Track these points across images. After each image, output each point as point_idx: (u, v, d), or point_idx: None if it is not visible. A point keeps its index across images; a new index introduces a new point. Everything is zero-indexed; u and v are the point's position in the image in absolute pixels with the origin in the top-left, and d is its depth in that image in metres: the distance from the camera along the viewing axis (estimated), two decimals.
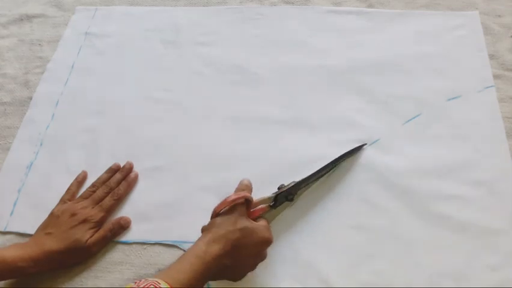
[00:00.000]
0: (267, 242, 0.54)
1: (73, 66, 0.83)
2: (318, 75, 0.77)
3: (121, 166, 0.68)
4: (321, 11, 0.86)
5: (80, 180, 0.67)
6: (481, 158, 0.65)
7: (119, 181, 0.66)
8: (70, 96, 0.79)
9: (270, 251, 0.57)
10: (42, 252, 0.56)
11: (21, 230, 0.64)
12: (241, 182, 0.59)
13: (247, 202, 0.55)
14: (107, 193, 0.64)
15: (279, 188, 0.59)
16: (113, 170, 0.68)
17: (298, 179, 0.60)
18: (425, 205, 0.61)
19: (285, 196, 0.59)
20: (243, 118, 0.73)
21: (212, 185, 0.66)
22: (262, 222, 0.55)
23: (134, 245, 0.62)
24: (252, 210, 0.56)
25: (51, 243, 0.57)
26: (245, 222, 0.52)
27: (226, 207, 0.54)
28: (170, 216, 0.64)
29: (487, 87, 0.72)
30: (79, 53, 0.85)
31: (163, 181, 0.68)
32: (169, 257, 0.60)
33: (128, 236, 0.62)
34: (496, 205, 0.61)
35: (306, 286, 0.57)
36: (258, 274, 0.57)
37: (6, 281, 0.58)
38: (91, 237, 0.59)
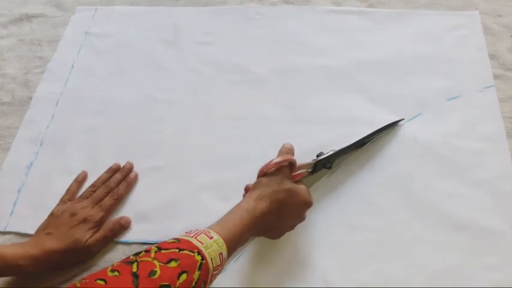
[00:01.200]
0: (308, 204, 0.56)
1: (73, 66, 0.83)
2: (318, 75, 0.77)
3: (121, 166, 0.68)
4: (321, 11, 0.86)
5: (80, 180, 0.67)
6: (481, 158, 0.65)
7: (119, 181, 0.66)
8: (70, 96, 0.79)
9: (271, 251, 0.57)
10: (42, 252, 0.56)
11: (21, 230, 0.64)
12: (283, 145, 0.60)
13: (291, 165, 0.57)
14: (107, 193, 0.64)
15: (317, 156, 0.61)
16: (113, 170, 0.68)
17: (337, 148, 0.62)
18: (425, 205, 0.62)
19: (324, 164, 0.61)
20: (243, 118, 0.73)
21: (212, 185, 0.66)
22: (302, 186, 0.57)
23: (134, 245, 0.62)
24: (293, 174, 0.58)
25: (52, 243, 0.57)
26: (289, 184, 0.55)
27: (272, 169, 0.55)
28: (170, 216, 0.64)
29: (487, 87, 0.72)
30: (79, 53, 0.85)
31: (163, 181, 0.68)
32: None
33: (128, 236, 0.62)
34: (496, 205, 0.61)
35: (307, 286, 0.57)
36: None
37: (6, 281, 0.58)
38: (90, 237, 0.59)
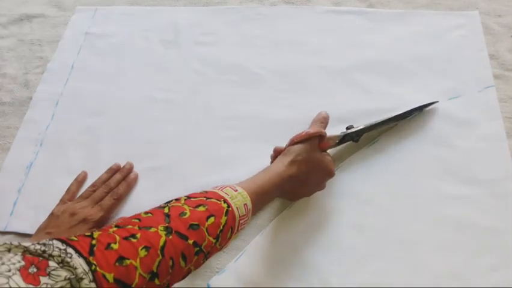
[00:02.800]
0: (331, 174, 0.61)
1: (72, 66, 0.83)
2: (318, 75, 0.77)
3: (121, 166, 0.68)
4: (321, 11, 0.86)
5: (80, 180, 0.67)
6: (481, 158, 0.65)
7: (119, 181, 0.66)
8: (69, 96, 0.79)
9: (271, 251, 0.57)
10: None
11: (21, 230, 0.64)
12: (319, 113, 0.63)
13: (321, 137, 0.60)
14: (107, 193, 0.64)
15: (347, 128, 0.65)
16: (113, 170, 0.68)
17: (367, 123, 0.65)
18: (426, 205, 0.62)
19: (352, 137, 0.65)
20: (243, 118, 0.73)
21: (212, 185, 0.65)
22: (328, 157, 0.61)
23: None
24: (321, 143, 0.61)
25: None
26: (317, 154, 0.59)
27: (303, 138, 0.59)
28: None
29: (487, 87, 0.72)
30: (79, 53, 0.85)
31: (163, 181, 0.68)
32: None
33: None
34: (496, 205, 0.61)
35: (307, 286, 0.57)
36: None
37: None
38: None
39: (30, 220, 0.64)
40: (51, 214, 0.62)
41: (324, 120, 0.63)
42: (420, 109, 0.69)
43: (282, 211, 0.62)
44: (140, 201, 0.66)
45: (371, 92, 0.74)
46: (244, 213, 0.48)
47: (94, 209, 0.62)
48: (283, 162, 0.57)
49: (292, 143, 0.59)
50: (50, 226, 0.59)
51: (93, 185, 0.65)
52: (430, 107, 0.69)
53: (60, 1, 0.94)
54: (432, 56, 0.77)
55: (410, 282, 0.56)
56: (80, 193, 0.66)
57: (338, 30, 0.83)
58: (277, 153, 0.60)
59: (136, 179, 0.68)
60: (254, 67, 0.79)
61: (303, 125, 0.71)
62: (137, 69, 0.82)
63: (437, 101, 0.70)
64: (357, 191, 0.64)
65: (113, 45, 0.86)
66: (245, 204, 0.49)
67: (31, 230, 0.62)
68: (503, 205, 0.61)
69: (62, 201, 0.64)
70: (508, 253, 0.57)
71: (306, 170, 0.57)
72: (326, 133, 0.61)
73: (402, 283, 0.56)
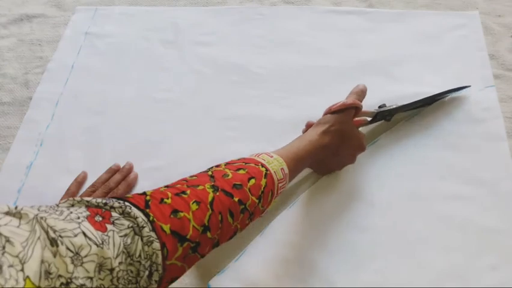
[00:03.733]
0: (362, 148, 0.62)
1: (73, 66, 0.83)
2: (318, 75, 0.77)
3: (121, 166, 0.68)
4: (321, 11, 0.86)
5: (80, 180, 0.67)
6: (481, 157, 0.65)
7: (119, 181, 0.66)
8: (70, 96, 0.79)
9: (271, 251, 0.57)
10: None
11: None
12: (357, 86, 0.63)
13: (356, 109, 0.61)
14: (106, 193, 0.64)
15: (380, 107, 0.65)
16: (113, 170, 0.68)
17: (400, 103, 0.66)
18: (426, 205, 0.62)
19: (384, 116, 0.65)
20: (243, 118, 0.73)
21: None
22: (361, 131, 0.62)
23: None
24: (354, 119, 0.62)
25: None
26: (351, 126, 0.60)
27: (339, 109, 0.59)
28: None
29: (487, 87, 0.72)
30: (79, 53, 0.85)
31: (163, 181, 0.67)
32: None
33: None
34: (497, 205, 0.61)
35: (307, 286, 0.57)
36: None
37: None
38: None
39: None
40: None
41: (361, 93, 0.62)
42: (452, 92, 0.69)
43: (282, 211, 0.62)
44: None
45: (371, 92, 0.74)
46: (282, 177, 0.49)
47: None
48: (317, 131, 0.58)
49: (328, 112, 0.60)
50: None
51: (93, 185, 0.65)
52: (462, 92, 0.70)
53: (60, 1, 0.94)
54: (432, 56, 0.77)
55: (411, 282, 0.56)
56: (80, 193, 0.66)
57: (338, 30, 0.83)
58: (308, 127, 0.61)
59: (135, 179, 0.67)
60: (254, 67, 0.79)
61: (303, 125, 0.71)
62: (137, 69, 0.82)
63: (469, 86, 0.70)
64: (358, 191, 0.64)
65: (113, 45, 0.86)
66: (282, 169, 0.50)
67: None
68: (503, 205, 0.61)
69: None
70: (509, 253, 0.57)
71: (339, 141, 0.58)
72: (362, 106, 0.61)
73: (404, 283, 0.56)
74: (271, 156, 0.50)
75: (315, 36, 0.82)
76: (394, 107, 0.65)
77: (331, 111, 0.59)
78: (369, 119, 0.65)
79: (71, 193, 0.65)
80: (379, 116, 0.65)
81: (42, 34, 0.89)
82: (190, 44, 0.84)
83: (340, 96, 0.76)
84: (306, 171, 0.64)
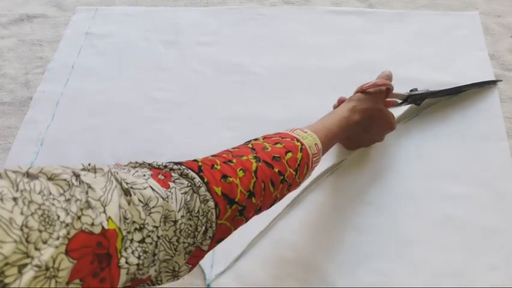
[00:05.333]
0: (392, 127, 0.63)
1: (73, 66, 0.83)
2: (318, 75, 0.77)
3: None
4: (321, 11, 0.86)
5: None
6: (481, 157, 0.65)
7: None
8: (70, 97, 0.79)
9: (271, 251, 0.57)
10: None
11: None
12: (383, 72, 0.64)
13: (387, 90, 0.62)
14: None
15: (411, 91, 0.66)
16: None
17: (432, 89, 0.68)
18: (426, 205, 0.62)
19: (415, 99, 0.66)
20: (243, 118, 0.73)
21: None
22: (390, 112, 0.63)
23: None
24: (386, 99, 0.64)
25: None
26: (382, 106, 0.62)
27: (371, 89, 0.61)
28: None
29: (489, 86, 0.72)
30: (79, 53, 0.85)
31: None
32: None
33: None
34: (496, 204, 0.61)
35: (307, 286, 0.57)
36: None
37: None
38: None
39: None
40: None
41: (388, 78, 0.64)
42: (480, 85, 0.71)
43: (282, 211, 0.62)
44: None
45: None
46: (316, 151, 0.51)
47: None
48: (348, 107, 0.59)
49: (360, 90, 0.61)
50: None
51: None
52: (490, 85, 0.72)
53: (60, 1, 0.94)
54: (432, 56, 0.77)
55: (411, 282, 0.56)
56: None
57: (338, 30, 0.83)
58: (340, 103, 0.63)
59: None
60: (254, 67, 0.79)
61: (303, 125, 0.71)
62: (138, 69, 0.82)
63: (501, 80, 0.72)
64: (357, 190, 0.64)
65: (113, 45, 0.86)
66: (316, 144, 0.51)
67: None
68: (503, 205, 0.61)
69: None
70: (508, 252, 0.57)
71: (369, 119, 0.60)
72: (393, 87, 0.62)
73: (403, 283, 0.56)
74: (305, 132, 0.52)
75: (315, 37, 0.82)
76: (424, 91, 0.67)
77: (363, 90, 0.61)
78: (399, 101, 0.66)
79: None
80: (410, 99, 0.66)
81: (42, 34, 0.89)
82: (190, 44, 0.84)
83: (339, 96, 0.76)
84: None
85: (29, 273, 0.25)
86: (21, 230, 0.25)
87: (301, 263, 0.59)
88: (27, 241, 0.25)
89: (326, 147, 0.54)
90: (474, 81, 0.71)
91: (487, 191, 0.62)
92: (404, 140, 0.68)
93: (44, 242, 0.26)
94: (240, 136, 0.71)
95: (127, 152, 0.71)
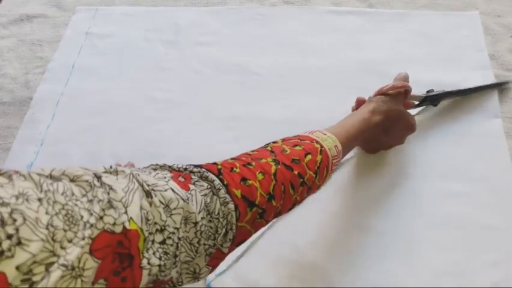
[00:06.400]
0: (412, 128, 0.63)
1: (73, 66, 0.83)
2: (318, 75, 0.77)
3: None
4: (321, 11, 0.86)
5: None
6: (481, 157, 0.65)
7: None
8: (70, 96, 0.79)
9: (272, 251, 0.57)
10: None
11: None
12: (399, 73, 0.65)
13: (406, 92, 0.62)
14: None
15: (428, 92, 0.67)
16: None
17: (448, 89, 0.68)
18: (426, 204, 0.62)
19: (432, 100, 0.67)
20: (243, 118, 0.73)
21: None
22: (410, 114, 0.63)
23: None
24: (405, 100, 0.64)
25: None
26: (402, 107, 0.62)
27: (391, 91, 0.61)
28: None
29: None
30: (79, 53, 0.85)
31: None
32: None
33: None
34: (496, 204, 0.61)
35: (308, 286, 0.57)
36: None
37: None
38: None
39: None
40: None
41: (405, 79, 0.64)
42: (493, 87, 0.71)
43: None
44: None
45: (370, 92, 0.74)
46: (336, 154, 0.51)
47: None
48: (368, 109, 0.59)
49: (380, 93, 0.61)
50: None
51: None
52: (503, 86, 0.72)
53: (60, 1, 0.94)
54: (432, 56, 0.77)
55: (412, 281, 0.56)
56: None
57: (338, 30, 0.83)
58: (359, 103, 0.63)
59: None
60: (254, 67, 0.79)
61: (303, 125, 0.71)
62: (137, 69, 0.82)
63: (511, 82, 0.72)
64: (359, 190, 0.64)
65: (113, 45, 0.86)
66: (335, 146, 0.51)
67: None
68: (503, 203, 0.61)
69: None
70: (508, 251, 0.57)
71: (390, 121, 0.59)
72: (411, 89, 0.62)
73: (404, 282, 0.56)
74: (325, 134, 0.52)
75: (315, 36, 0.82)
76: (441, 92, 0.67)
77: (382, 92, 0.61)
78: (416, 102, 0.66)
79: None
80: (428, 100, 0.66)
81: (42, 34, 0.89)
82: (190, 44, 0.84)
83: (339, 96, 0.76)
84: None
85: (56, 272, 0.25)
86: (47, 228, 0.26)
87: (302, 262, 0.59)
88: (53, 240, 0.26)
89: (346, 150, 0.54)
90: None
91: (487, 190, 0.62)
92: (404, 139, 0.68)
93: (69, 241, 0.26)
94: (240, 136, 0.72)
95: (127, 152, 0.71)
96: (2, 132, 0.75)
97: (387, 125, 0.59)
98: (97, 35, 0.88)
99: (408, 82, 0.64)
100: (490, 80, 0.73)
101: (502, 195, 0.61)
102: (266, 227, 0.61)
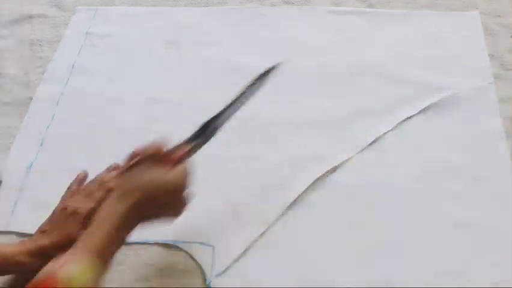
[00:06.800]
0: (179, 189, 0.52)
1: (73, 66, 0.83)
2: (318, 75, 0.77)
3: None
4: (321, 11, 0.86)
5: (80, 179, 0.67)
6: (481, 157, 0.65)
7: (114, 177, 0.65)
8: (70, 96, 0.79)
9: (272, 251, 0.57)
10: (36, 247, 0.56)
11: (22, 230, 0.64)
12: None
13: (155, 152, 0.53)
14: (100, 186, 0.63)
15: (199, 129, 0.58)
16: (112, 169, 0.67)
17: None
18: (426, 204, 0.62)
19: (207, 132, 0.58)
20: (243, 118, 0.73)
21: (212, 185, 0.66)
22: (178, 168, 0.53)
23: (133, 245, 0.61)
24: (171, 156, 0.54)
25: (45, 239, 0.57)
26: (154, 174, 0.51)
27: (134, 160, 0.52)
28: None
29: (489, 84, 0.72)
30: (79, 53, 0.85)
31: None
32: (169, 257, 0.60)
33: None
34: (496, 204, 0.61)
35: (307, 286, 0.57)
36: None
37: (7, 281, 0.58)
38: (81, 229, 0.56)
39: (31, 220, 0.63)
40: (52, 213, 0.61)
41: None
42: (262, 78, 0.64)
43: (282, 212, 0.62)
44: None
45: (370, 92, 0.74)
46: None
47: (84, 201, 0.61)
48: (113, 197, 0.49)
49: (125, 169, 0.53)
50: (45, 223, 0.59)
51: (92, 181, 0.65)
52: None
53: (60, 1, 0.94)
54: (432, 56, 0.77)
55: (412, 281, 0.56)
56: None
57: (338, 30, 0.83)
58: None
59: None
60: (254, 67, 0.79)
61: (303, 125, 0.71)
62: (138, 69, 0.82)
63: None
64: (357, 190, 0.64)
65: (113, 45, 0.86)
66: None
67: (32, 230, 0.61)
68: (502, 204, 0.61)
69: (63, 200, 0.64)
70: (508, 251, 0.57)
71: (144, 199, 0.49)
72: (160, 146, 0.54)
73: (403, 283, 0.56)
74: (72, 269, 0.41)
75: (315, 37, 0.82)
76: (212, 117, 0.59)
77: (128, 166, 0.52)
78: (193, 144, 0.57)
79: (71, 192, 0.65)
80: (204, 132, 0.58)
81: (42, 34, 0.89)
82: (190, 44, 0.84)
83: (340, 96, 0.76)
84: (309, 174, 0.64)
85: None
86: None
87: (302, 262, 0.59)
88: None
89: (105, 265, 0.45)
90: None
91: (487, 190, 0.62)
92: (403, 139, 0.68)
93: None
94: (239, 136, 0.72)
95: (126, 152, 0.70)
96: (2, 132, 0.75)
97: (143, 204, 0.48)
98: (97, 35, 0.88)
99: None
100: (490, 80, 0.72)
101: (501, 195, 0.61)
102: (266, 227, 0.61)
